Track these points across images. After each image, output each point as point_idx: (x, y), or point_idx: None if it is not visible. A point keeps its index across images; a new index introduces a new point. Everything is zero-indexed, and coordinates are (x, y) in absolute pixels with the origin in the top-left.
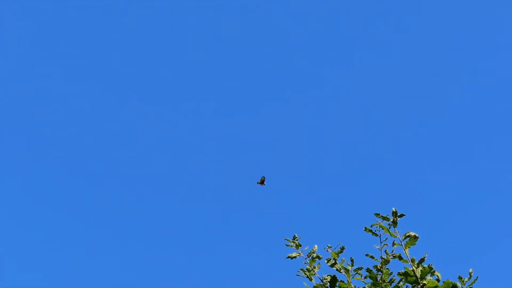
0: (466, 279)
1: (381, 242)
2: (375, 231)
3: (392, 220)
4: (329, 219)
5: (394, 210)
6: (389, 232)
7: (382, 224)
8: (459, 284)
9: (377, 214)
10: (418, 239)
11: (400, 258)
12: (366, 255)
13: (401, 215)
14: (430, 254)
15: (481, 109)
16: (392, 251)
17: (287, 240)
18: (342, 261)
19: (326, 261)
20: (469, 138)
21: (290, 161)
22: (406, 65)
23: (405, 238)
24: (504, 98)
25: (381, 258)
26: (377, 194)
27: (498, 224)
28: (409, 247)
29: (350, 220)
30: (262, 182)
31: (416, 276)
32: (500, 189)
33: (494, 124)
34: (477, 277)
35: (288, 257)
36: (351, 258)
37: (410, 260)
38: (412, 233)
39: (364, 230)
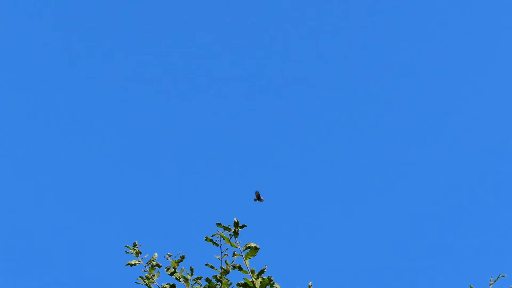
0: None
1: (221, 252)
2: (216, 241)
3: (233, 230)
4: (170, 227)
5: (236, 220)
6: (230, 243)
7: (223, 234)
8: None
9: (218, 224)
10: (259, 250)
11: (240, 268)
12: (206, 264)
13: (243, 226)
14: (270, 266)
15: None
16: (232, 262)
17: (127, 247)
18: (182, 270)
19: (165, 269)
20: None
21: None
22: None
23: (245, 249)
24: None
25: (221, 268)
26: (221, 201)
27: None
28: (249, 258)
29: (192, 229)
30: (258, 198)
31: (255, 287)
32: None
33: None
34: None
35: (128, 264)
36: (190, 267)
37: (250, 271)
38: (253, 244)
39: (205, 239)
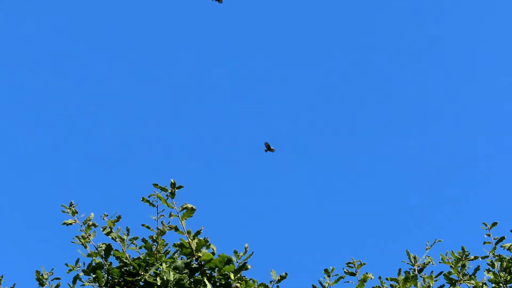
0: (241, 254)
1: (158, 213)
2: (152, 201)
3: (170, 191)
4: (107, 188)
5: (173, 181)
6: (166, 203)
7: (160, 195)
8: (234, 258)
9: (155, 185)
10: (195, 211)
11: (176, 229)
12: (142, 225)
13: (179, 187)
14: (207, 227)
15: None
16: (169, 222)
17: (64, 206)
18: (118, 230)
19: (102, 229)
20: None
21: None
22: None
23: (182, 210)
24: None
25: (157, 229)
26: (159, 162)
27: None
28: (185, 219)
29: (129, 190)
30: (269, 148)
31: (191, 248)
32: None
33: None
34: (252, 252)
35: (64, 223)
36: (127, 227)
37: (186, 232)
38: (189, 205)
39: (142, 200)
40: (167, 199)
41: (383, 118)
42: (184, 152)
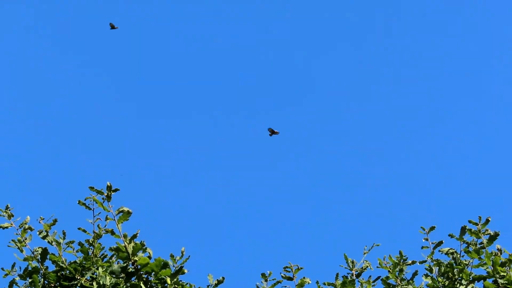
0: (178, 258)
1: (94, 216)
2: (88, 204)
3: (106, 194)
4: (43, 191)
5: (109, 184)
6: (103, 206)
7: (96, 198)
8: (170, 262)
9: (91, 188)
10: (132, 215)
11: (112, 233)
12: (79, 228)
13: (115, 190)
14: (143, 231)
15: None
16: (105, 226)
17: (0, 210)
18: (54, 233)
19: (38, 233)
20: None
21: None
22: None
23: (118, 213)
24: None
25: (94, 232)
26: (95, 165)
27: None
28: (121, 222)
29: (65, 193)
30: (273, 132)
31: (127, 252)
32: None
33: None
34: (189, 256)
35: (0, 227)
36: (63, 231)
37: (122, 235)
38: (126, 208)
39: (78, 203)
40: (103, 202)
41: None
42: (121, 153)
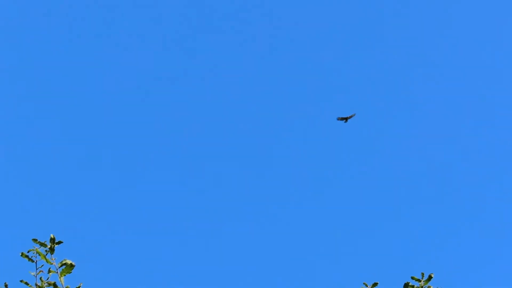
0: None
1: (36, 269)
2: (31, 257)
3: (49, 246)
4: None
5: (52, 236)
6: (46, 259)
7: (39, 250)
8: None
9: (34, 240)
10: (75, 267)
11: (55, 286)
12: (21, 281)
13: (59, 242)
14: (86, 283)
15: None
16: (48, 278)
17: None
18: None
19: None
20: None
21: None
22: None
23: (61, 266)
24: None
25: (36, 285)
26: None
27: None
28: (64, 275)
29: (7, 244)
30: (344, 118)
31: None
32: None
33: None
34: None
35: None
36: (5, 283)
37: None
38: (69, 261)
39: (21, 255)
40: (46, 254)
41: None
42: (63, 202)
